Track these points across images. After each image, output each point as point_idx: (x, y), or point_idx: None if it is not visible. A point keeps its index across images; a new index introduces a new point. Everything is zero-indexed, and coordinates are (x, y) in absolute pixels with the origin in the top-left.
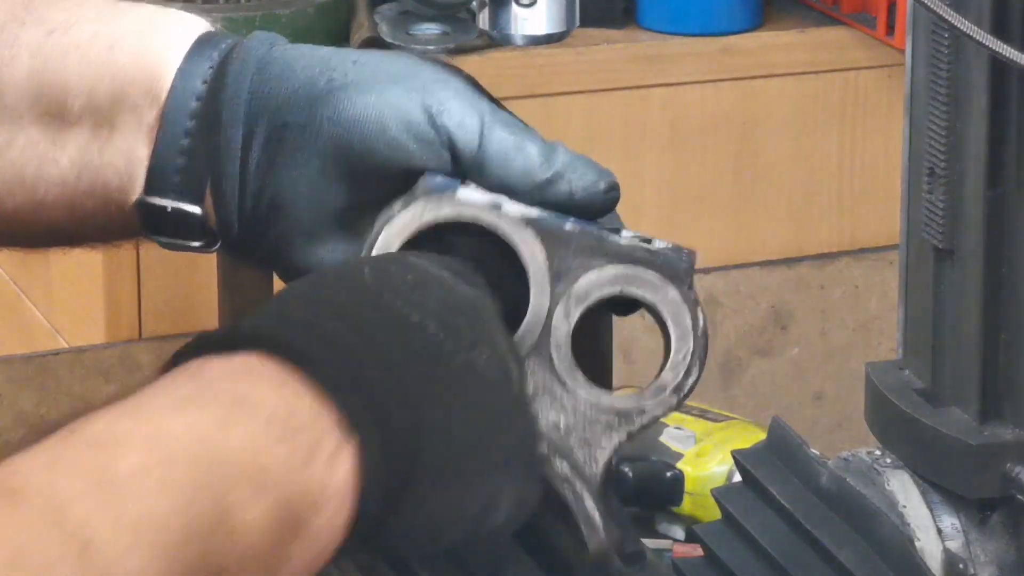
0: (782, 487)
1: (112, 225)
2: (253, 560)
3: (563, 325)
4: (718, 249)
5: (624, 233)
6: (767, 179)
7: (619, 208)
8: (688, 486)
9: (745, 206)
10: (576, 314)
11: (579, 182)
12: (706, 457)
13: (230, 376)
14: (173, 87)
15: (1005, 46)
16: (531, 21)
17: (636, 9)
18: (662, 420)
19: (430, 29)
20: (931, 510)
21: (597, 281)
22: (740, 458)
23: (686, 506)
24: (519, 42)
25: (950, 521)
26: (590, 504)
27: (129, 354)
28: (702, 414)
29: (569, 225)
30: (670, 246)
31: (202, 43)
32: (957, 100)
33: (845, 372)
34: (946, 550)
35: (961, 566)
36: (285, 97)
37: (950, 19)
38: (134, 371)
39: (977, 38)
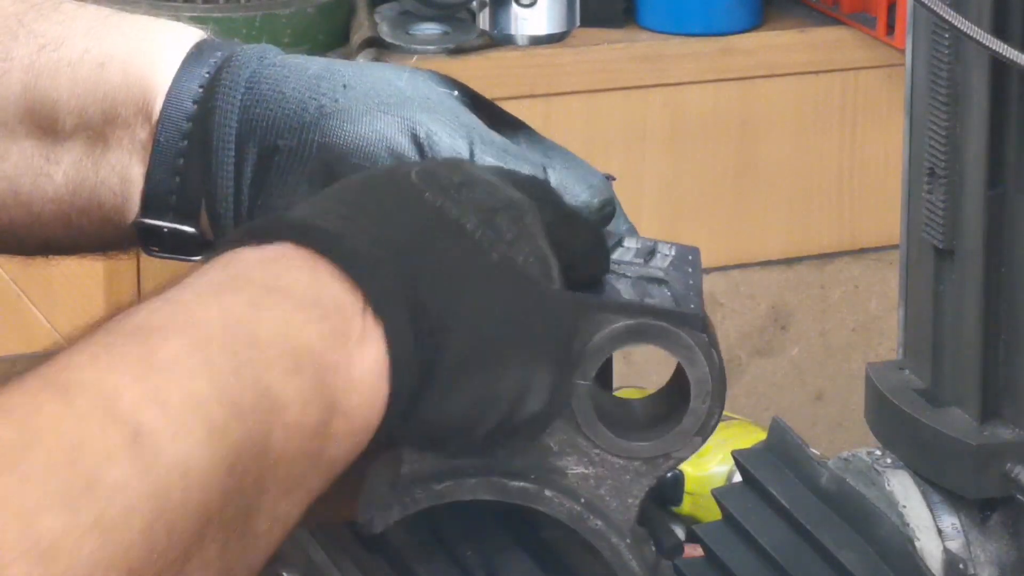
0: (782, 487)
1: (109, 241)
2: (296, 439)
3: (582, 384)
4: (718, 249)
5: (627, 243)
6: (767, 179)
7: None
8: (688, 486)
9: (745, 206)
10: (591, 372)
11: (571, 203)
12: (706, 457)
13: (263, 263)
14: (164, 107)
15: (1005, 46)
16: (531, 21)
17: (636, 9)
18: None
19: (430, 29)
20: (931, 510)
21: (609, 338)
22: (740, 458)
23: (686, 506)
24: (519, 42)
25: (950, 521)
26: (627, 556)
27: None
28: None
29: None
30: (673, 253)
31: (191, 60)
32: (957, 100)
33: (845, 372)
34: (946, 550)
35: (961, 566)
36: (274, 120)
37: (950, 19)
38: None
39: (977, 38)
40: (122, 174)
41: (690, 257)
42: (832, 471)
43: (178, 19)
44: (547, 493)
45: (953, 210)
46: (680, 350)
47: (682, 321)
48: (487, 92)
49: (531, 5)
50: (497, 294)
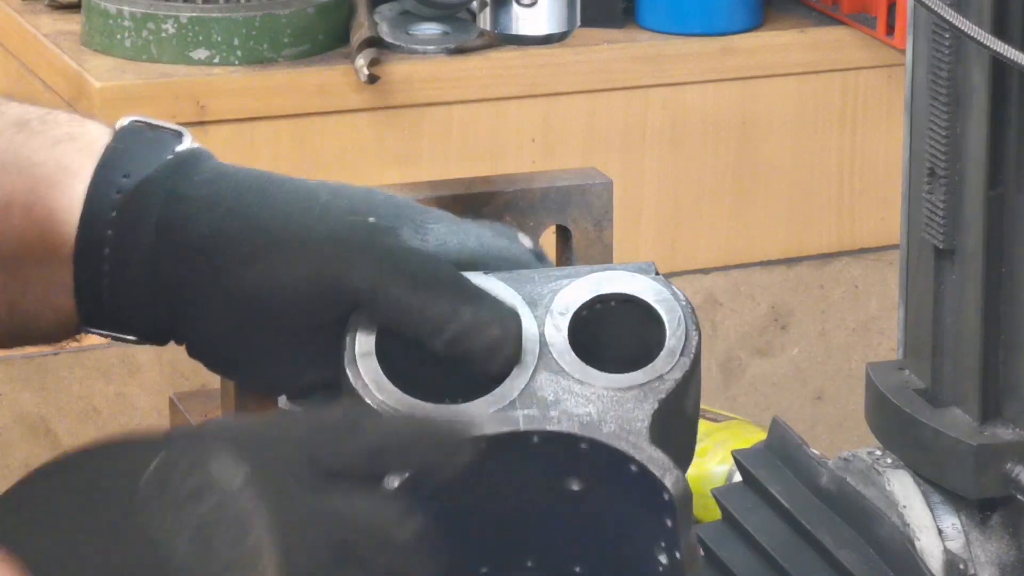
0: (782, 487)
1: (58, 340)
2: None
3: (558, 336)
4: (718, 249)
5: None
6: (767, 179)
7: (619, 208)
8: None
9: (745, 206)
10: (564, 324)
11: (480, 341)
12: (706, 457)
13: None
14: (77, 254)
15: (1005, 46)
16: (531, 21)
17: (636, 9)
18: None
19: (430, 29)
20: (931, 510)
21: (571, 293)
22: (740, 458)
23: None
24: (519, 42)
25: (950, 521)
26: (647, 446)
27: (129, 354)
28: (702, 414)
29: (524, 272)
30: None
31: (98, 193)
32: (957, 100)
33: (845, 372)
34: (946, 550)
35: (961, 566)
36: (187, 257)
37: (950, 19)
38: (134, 371)
39: (977, 38)
40: (53, 304)
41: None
42: (832, 471)
43: (178, 19)
44: (553, 414)
45: (953, 210)
46: (643, 290)
47: (637, 270)
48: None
49: (531, 5)
50: None
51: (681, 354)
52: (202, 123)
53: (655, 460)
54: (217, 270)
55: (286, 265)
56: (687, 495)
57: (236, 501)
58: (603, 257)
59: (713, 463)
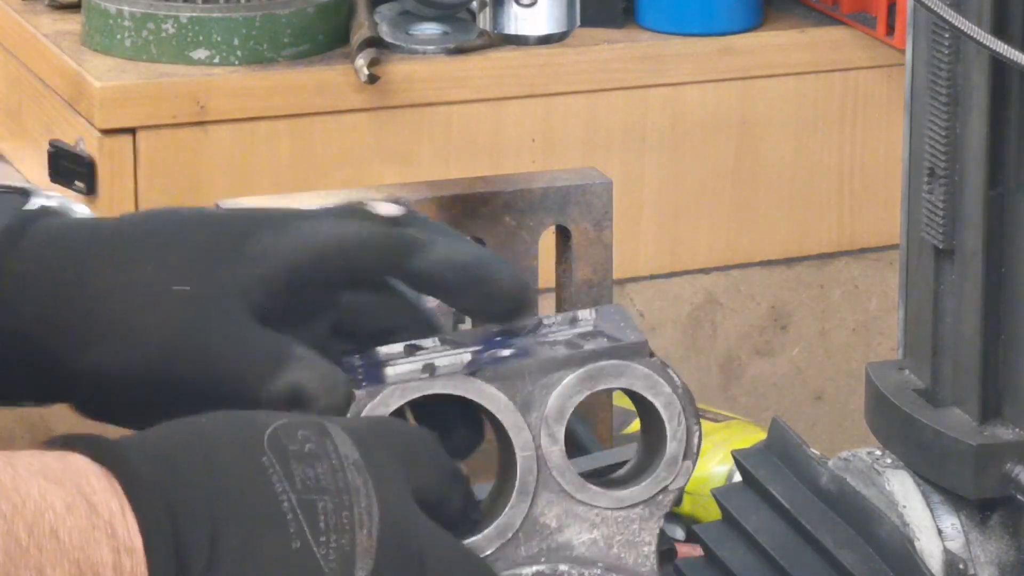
0: (782, 487)
1: None
2: None
3: (554, 448)
4: (718, 249)
5: (546, 320)
6: (767, 179)
7: (619, 208)
8: (688, 486)
9: (745, 206)
10: (560, 433)
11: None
12: (706, 457)
13: (88, 476)
14: None
15: (1005, 46)
16: (531, 21)
17: (636, 9)
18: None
19: (430, 29)
20: (931, 510)
21: (564, 395)
22: (740, 458)
23: (686, 506)
24: (519, 42)
25: (950, 521)
26: None
27: None
28: (702, 414)
29: (506, 353)
30: (596, 314)
31: None
32: (957, 100)
33: (845, 372)
34: (946, 550)
35: (961, 566)
36: (12, 340)
37: (950, 19)
38: None
39: (977, 38)
40: None
41: (614, 312)
42: (832, 471)
43: (178, 20)
44: (563, 568)
45: (953, 210)
46: (637, 381)
47: (630, 353)
48: (487, 92)
49: (531, 5)
50: None
51: (684, 458)
52: (202, 123)
53: None
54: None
55: (120, 352)
56: None
57: (348, 473)
58: (603, 257)
59: (713, 463)
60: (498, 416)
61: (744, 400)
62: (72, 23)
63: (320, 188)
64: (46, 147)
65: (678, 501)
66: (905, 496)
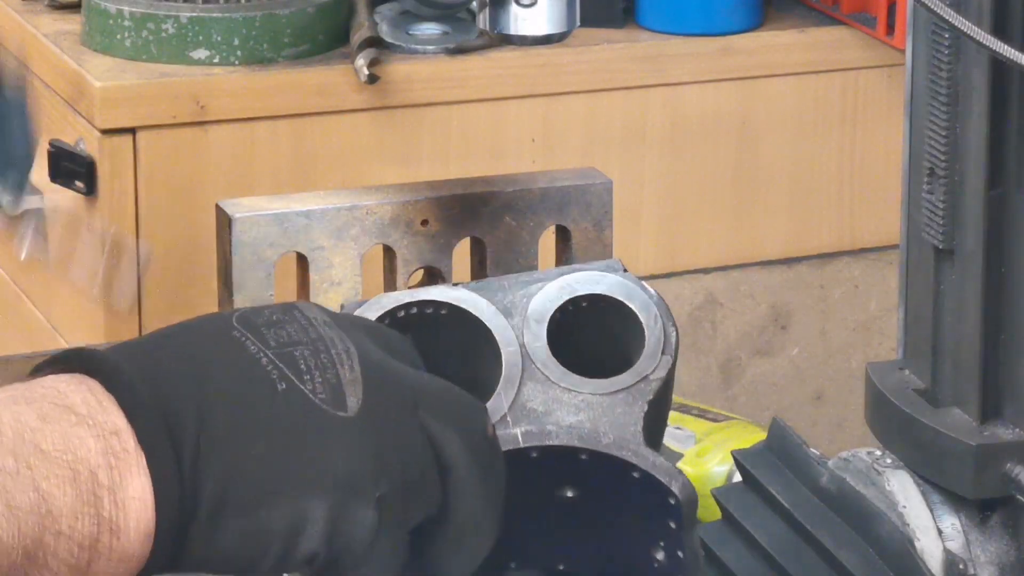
0: (782, 487)
1: None
2: (65, 546)
3: (537, 344)
4: (718, 249)
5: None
6: (767, 179)
7: (619, 208)
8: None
9: (745, 206)
10: (542, 333)
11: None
12: (706, 457)
13: (55, 383)
14: None
15: (1005, 46)
16: (531, 21)
17: (636, 9)
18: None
19: (430, 29)
20: (931, 510)
21: (544, 299)
22: (740, 458)
23: None
24: (519, 42)
25: (950, 521)
26: (648, 452)
27: None
28: (702, 414)
29: (493, 280)
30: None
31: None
32: (957, 100)
33: (845, 372)
34: (946, 550)
35: (961, 566)
36: None
37: (950, 19)
38: None
39: (977, 38)
40: None
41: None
42: (832, 471)
43: (178, 19)
44: (550, 428)
45: (953, 210)
46: (614, 287)
47: (605, 268)
48: (487, 92)
49: (531, 5)
50: (273, 425)
51: (663, 352)
52: (202, 123)
53: (659, 467)
54: None
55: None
56: (693, 499)
57: (319, 328)
58: (603, 257)
59: (713, 463)
60: (481, 317)
61: (744, 400)
62: (72, 23)
63: (320, 188)
64: (46, 147)
65: (663, 393)
66: (905, 496)
